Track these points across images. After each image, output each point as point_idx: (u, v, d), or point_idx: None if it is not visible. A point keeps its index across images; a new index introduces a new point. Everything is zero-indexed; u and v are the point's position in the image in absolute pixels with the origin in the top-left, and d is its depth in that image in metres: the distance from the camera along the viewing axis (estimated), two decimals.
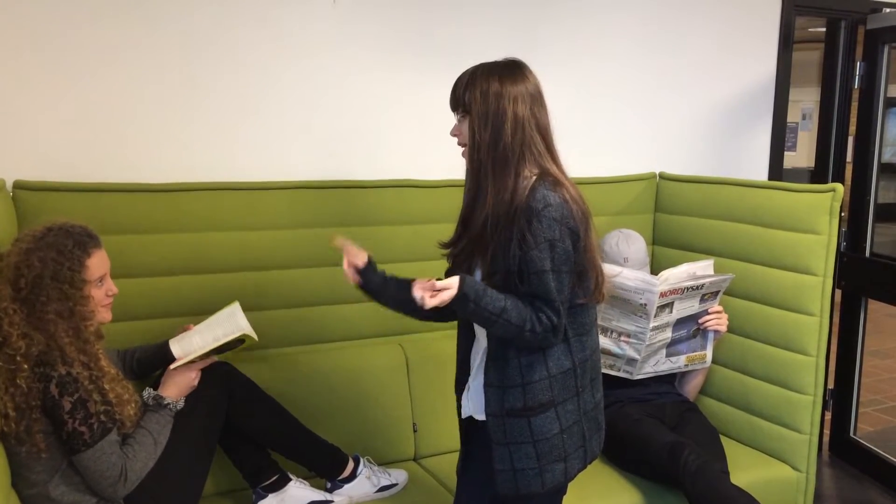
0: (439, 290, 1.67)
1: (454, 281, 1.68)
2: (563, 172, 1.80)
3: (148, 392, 2.04)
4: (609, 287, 1.88)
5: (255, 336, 2.15)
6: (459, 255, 1.87)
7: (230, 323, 2.14)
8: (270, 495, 2.21)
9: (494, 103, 1.75)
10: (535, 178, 1.76)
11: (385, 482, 2.37)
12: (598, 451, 1.93)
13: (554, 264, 1.71)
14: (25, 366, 1.78)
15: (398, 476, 2.42)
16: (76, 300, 1.86)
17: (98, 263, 1.92)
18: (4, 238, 2.02)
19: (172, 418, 2.03)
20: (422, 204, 2.73)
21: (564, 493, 1.94)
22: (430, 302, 1.65)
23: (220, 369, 2.17)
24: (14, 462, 1.83)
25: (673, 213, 3.08)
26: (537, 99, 1.80)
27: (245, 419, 2.19)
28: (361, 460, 2.37)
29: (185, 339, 2.16)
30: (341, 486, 2.31)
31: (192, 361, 2.09)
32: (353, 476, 2.32)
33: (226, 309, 2.19)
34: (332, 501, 2.25)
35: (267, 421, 2.23)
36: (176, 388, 2.05)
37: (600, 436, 1.93)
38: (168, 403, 2.02)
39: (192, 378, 2.07)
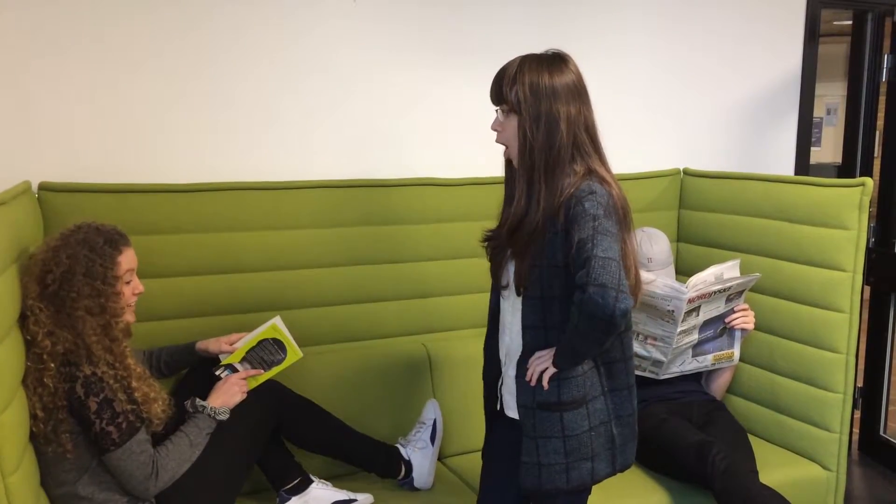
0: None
1: (547, 363, 1.77)
2: (609, 172, 1.78)
3: (189, 400, 2.07)
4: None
5: (298, 350, 2.19)
6: (498, 251, 1.86)
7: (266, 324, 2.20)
8: (294, 498, 2.21)
9: (547, 103, 1.72)
10: (581, 174, 1.73)
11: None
12: (631, 462, 1.90)
13: (596, 231, 1.66)
14: (52, 364, 1.80)
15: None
16: (107, 296, 1.87)
17: (128, 261, 1.95)
18: (31, 238, 2.04)
19: (213, 424, 2.04)
20: (444, 202, 2.73)
21: (589, 493, 1.92)
22: (545, 384, 1.78)
23: (269, 389, 2.20)
24: (43, 461, 1.84)
25: (698, 209, 3.04)
26: (584, 95, 1.77)
27: (298, 437, 2.24)
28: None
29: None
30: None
31: (234, 369, 2.14)
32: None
33: (269, 321, 2.23)
34: (356, 500, 2.25)
35: (320, 435, 2.26)
36: (220, 397, 2.08)
37: (634, 445, 1.90)
38: (204, 407, 2.04)
39: (233, 385, 2.11)
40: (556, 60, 1.77)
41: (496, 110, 1.82)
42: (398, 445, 2.39)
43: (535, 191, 1.74)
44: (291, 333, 2.21)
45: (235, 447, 2.08)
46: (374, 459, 2.33)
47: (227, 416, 2.07)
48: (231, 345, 2.21)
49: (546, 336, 1.78)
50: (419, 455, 2.36)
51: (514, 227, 1.77)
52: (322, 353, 2.60)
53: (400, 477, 2.35)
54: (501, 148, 1.84)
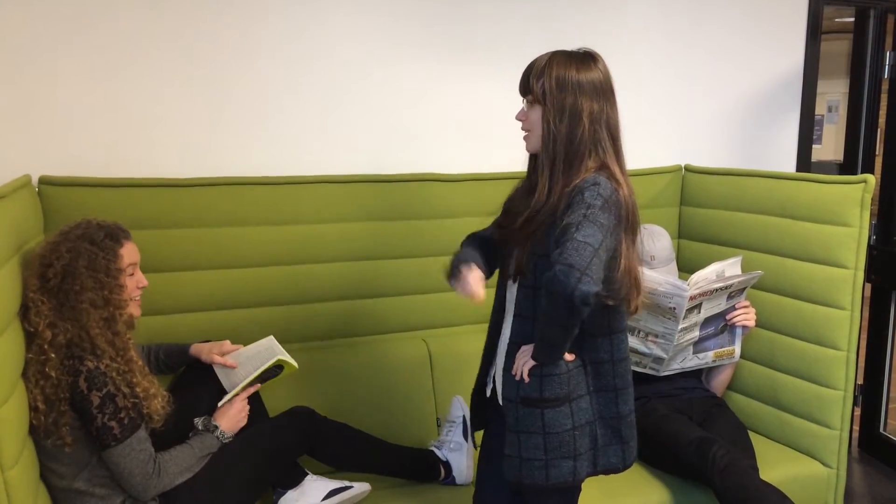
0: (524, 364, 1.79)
1: (529, 356, 1.77)
2: (623, 172, 1.78)
3: (197, 419, 2.10)
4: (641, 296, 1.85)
5: (294, 363, 2.20)
6: (507, 240, 1.86)
7: (268, 353, 2.21)
8: (289, 491, 2.21)
9: (571, 97, 1.74)
10: (593, 169, 1.75)
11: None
12: (620, 466, 1.87)
13: (585, 217, 1.66)
14: (54, 355, 1.80)
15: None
16: (111, 288, 1.88)
17: (129, 254, 1.96)
18: (31, 232, 2.03)
19: (217, 446, 2.07)
20: (447, 198, 2.72)
21: (578, 491, 1.91)
22: (525, 377, 1.78)
23: (300, 415, 2.22)
24: (43, 454, 1.84)
25: (699, 206, 3.04)
26: (610, 95, 1.79)
27: (334, 460, 2.27)
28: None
29: (232, 374, 2.23)
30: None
31: (236, 394, 2.17)
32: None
33: (262, 341, 2.26)
34: (352, 486, 2.24)
35: (356, 456, 2.28)
36: (227, 421, 2.11)
37: (624, 450, 1.87)
38: (216, 427, 2.08)
39: (239, 412, 2.14)
40: (585, 58, 1.79)
41: (523, 101, 1.84)
42: (433, 448, 2.40)
43: (556, 182, 1.76)
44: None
45: (255, 466, 2.09)
46: (413, 468, 2.35)
47: (231, 440, 2.10)
48: (223, 355, 2.22)
49: (532, 327, 1.78)
50: (455, 455, 2.38)
51: (533, 216, 1.78)
52: (322, 349, 2.60)
53: (441, 478, 2.37)
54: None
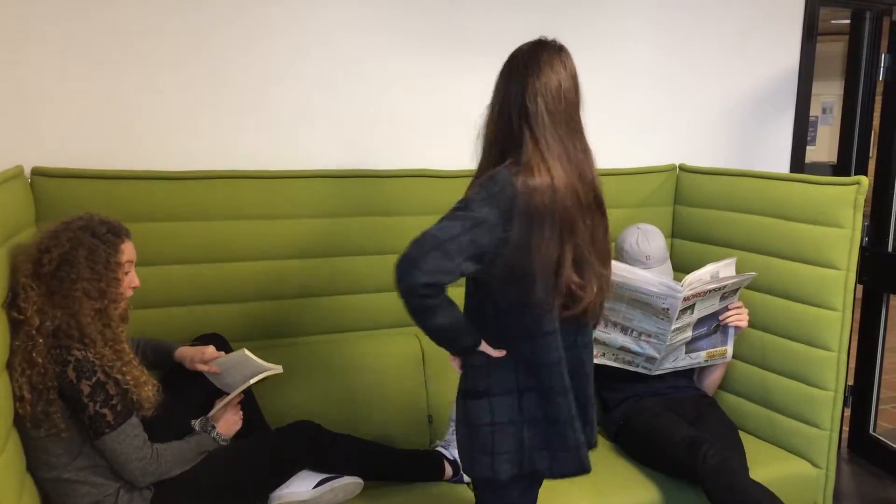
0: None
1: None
2: (545, 161, 1.66)
3: (195, 421, 2.11)
4: (627, 290, 1.83)
5: (279, 369, 2.19)
6: None
7: (251, 366, 2.17)
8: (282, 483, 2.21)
9: (495, 103, 1.78)
10: (510, 163, 1.70)
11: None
12: (547, 474, 1.80)
13: (454, 210, 1.66)
14: (41, 340, 1.80)
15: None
16: (108, 281, 1.89)
17: (129, 252, 1.97)
18: (21, 223, 2.03)
19: (213, 446, 2.07)
20: (441, 194, 2.71)
21: (511, 491, 1.84)
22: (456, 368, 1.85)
23: (303, 429, 2.22)
24: (32, 446, 1.84)
25: (693, 205, 3.04)
26: (544, 91, 1.73)
27: (341, 471, 2.24)
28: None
29: (220, 377, 2.22)
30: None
31: (226, 403, 2.18)
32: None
33: (236, 354, 2.20)
34: (343, 476, 2.24)
35: (362, 464, 2.27)
36: (223, 424, 2.13)
37: (573, 456, 1.76)
38: (214, 428, 2.09)
39: (234, 416, 2.17)
40: (524, 56, 1.76)
41: None
42: (439, 448, 2.41)
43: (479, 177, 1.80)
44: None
45: (258, 477, 2.10)
46: (421, 470, 2.36)
47: (228, 442, 2.11)
48: (206, 363, 2.21)
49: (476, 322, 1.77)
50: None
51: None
52: (314, 344, 2.59)
53: (450, 477, 2.37)
54: None
